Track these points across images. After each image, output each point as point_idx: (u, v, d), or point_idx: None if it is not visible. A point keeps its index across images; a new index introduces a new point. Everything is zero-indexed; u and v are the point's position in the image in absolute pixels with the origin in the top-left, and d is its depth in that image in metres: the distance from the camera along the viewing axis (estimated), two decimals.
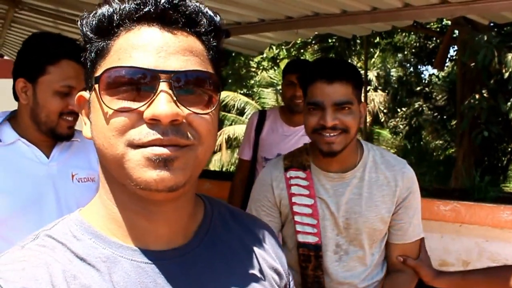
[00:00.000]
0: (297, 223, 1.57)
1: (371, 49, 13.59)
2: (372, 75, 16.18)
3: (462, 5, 2.67)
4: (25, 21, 4.03)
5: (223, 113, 14.00)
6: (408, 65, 16.05)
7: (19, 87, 1.44)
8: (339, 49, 11.25)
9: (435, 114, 13.63)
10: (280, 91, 2.80)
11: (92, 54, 0.68)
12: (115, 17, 0.65)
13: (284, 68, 2.85)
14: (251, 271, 0.77)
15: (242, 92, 15.57)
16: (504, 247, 2.85)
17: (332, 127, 1.44)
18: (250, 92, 16.07)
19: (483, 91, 7.51)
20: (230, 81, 14.70)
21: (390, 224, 1.60)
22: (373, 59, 16.33)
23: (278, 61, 12.45)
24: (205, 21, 0.69)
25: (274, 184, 1.62)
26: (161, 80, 0.62)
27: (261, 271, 0.78)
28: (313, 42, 11.63)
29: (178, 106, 0.63)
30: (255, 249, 0.81)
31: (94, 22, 0.67)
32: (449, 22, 8.98)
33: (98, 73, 0.65)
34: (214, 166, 13.48)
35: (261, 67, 13.14)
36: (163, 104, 0.61)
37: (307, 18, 3.20)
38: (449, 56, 11.17)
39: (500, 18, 3.07)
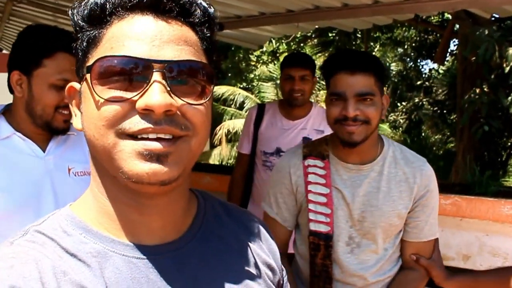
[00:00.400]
0: (311, 211, 1.58)
1: (371, 44, 13.54)
2: None
3: None
4: (24, 15, 4.00)
5: (222, 107, 13.98)
6: (408, 59, 16.00)
7: (14, 79, 1.42)
8: (339, 43, 11.21)
9: (435, 108, 13.60)
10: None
11: (84, 43, 0.66)
12: (107, 5, 0.64)
13: (282, 62, 2.83)
14: (244, 266, 0.76)
15: (241, 86, 15.52)
16: (505, 241, 2.85)
17: (354, 118, 1.45)
18: (249, 86, 16.03)
19: (484, 86, 7.48)
20: (229, 75, 14.68)
21: (406, 221, 1.60)
22: (373, 53, 16.27)
23: (278, 55, 12.42)
24: (199, 11, 0.68)
25: (291, 171, 1.63)
26: (154, 70, 0.61)
27: (255, 266, 0.78)
28: (313, 36, 11.59)
29: (171, 97, 0.62)
30: (249, 244, 0.80)
31: (86, 11, 0.65)
32: (450, 16, 8.95)
33: (90, 63, 0.64)
34: (214, 160, 13.47)
35: (260, 61, 13.11)
36: (156, 94, 0.60)
37: (308, 11, 3.19)
38: (449, 50, 11.14)
39: (502, 11, 3.05)
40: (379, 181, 1.56)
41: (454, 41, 10.54)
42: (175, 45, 0.64)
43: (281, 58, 11.28)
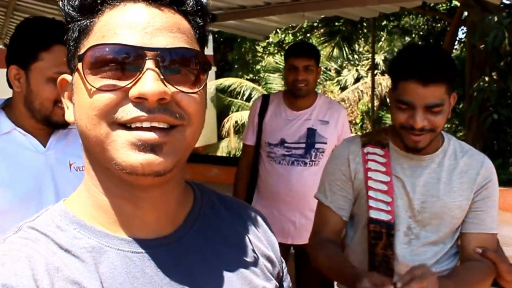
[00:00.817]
0: (371, 199, 1.54)
1: (378, 32, 13.44)
2: (379, 58, 16.01)
3: None
4: (27, 9, 4.00)
5: (229, 99, 13.98)
6: None
7: (12, 74, 1.40)
8: (345, 33, 11.14)
9: None
10: None
11: (75, 33, 0.65)
12: None
13: (286, 52, 2.80)
14: (242, 258, 0.75)
15: (248, 77, 15.50)
16: None
17: (421, 128, 1.41)
18: (256, 77, 16.00)
19: (493, 73, 7.39)
20: (236, 66, 14.66)
21: (466, 213, 1.55)
22: (380, 43, 16.17)
23: (284, 45, 12.36)
24: (191, 0, 0.67)
25: (350, 157, 1.60)
26: (147, 58, 0.60)
27: (253, 258, 0.76)
28: (320, 26, 11.52)
29: (165, 85, 0.61)
30: (247, 236, 0.78)
31: (76, 1, 0.64)
32: (458, 4, 8.84)
33: (81, 52, 0.63)
34: (221, 152, 13.50)
35: (267, 52, 13.06)
36: (149, 82, 0.59)
37: (314, 0, 3.14)
38: (457, 38, 11.02)
39: None
40: (439, 172, 1.53)
41: (462, 29, 10.42)
42: (168, 32, 0.62)
43: None
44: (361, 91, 15.45)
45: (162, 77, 0.60)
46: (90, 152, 0.66)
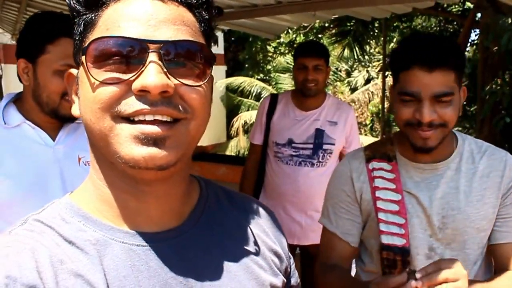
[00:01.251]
0: (381, 222, 1.37)
1: (390, 33, 13.35)
2: None
3: None
4: (40, 5, 4.02)
5: (239, 98, 13.98)
6: None
7: (20, 68, 1.42)
8: (357, 33, 11.09)
9: None
10: None
11: (81, 27, 0.65)
12: None
13: (295, 51, 2.79)
14: (248, 253, 0.74)
15: (259, 77, 15.48)
16: None
17: (430, 123, 1.26)
18: (267, 77, 15.97)
19: (506, 76, 7.32)
20: (246, 66, 14.64)
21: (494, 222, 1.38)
22: (391, 43, 16.07)
23: (295, 46, 12.32)
24: None
25: (354, 176, 1.43)
26: (150, 51, 0.60)
27: (258, 253, 0.76)
28: (331, 26, 11.48)
29: (168, 77, 0.60)
30: (253, 231, 0.78)
31: None
32: (471, 6, 8.76)
33: (85, 45, 0.63)
34: (230, 151, 13.50)
35: (278, 52, 13.04)
36: (152, 74, 0.59)
37: (325, 0, 3.13)
38: (470, 40, 10.92)
39: None
40: (457, 180, 1.35)
41: (475, 31, 10.32)
42: (172, 24, 0.62)
43: None
44: (372, 92, 15.37)
45: (165, 69, 0.60)
46: (95, 146, 0.66)
